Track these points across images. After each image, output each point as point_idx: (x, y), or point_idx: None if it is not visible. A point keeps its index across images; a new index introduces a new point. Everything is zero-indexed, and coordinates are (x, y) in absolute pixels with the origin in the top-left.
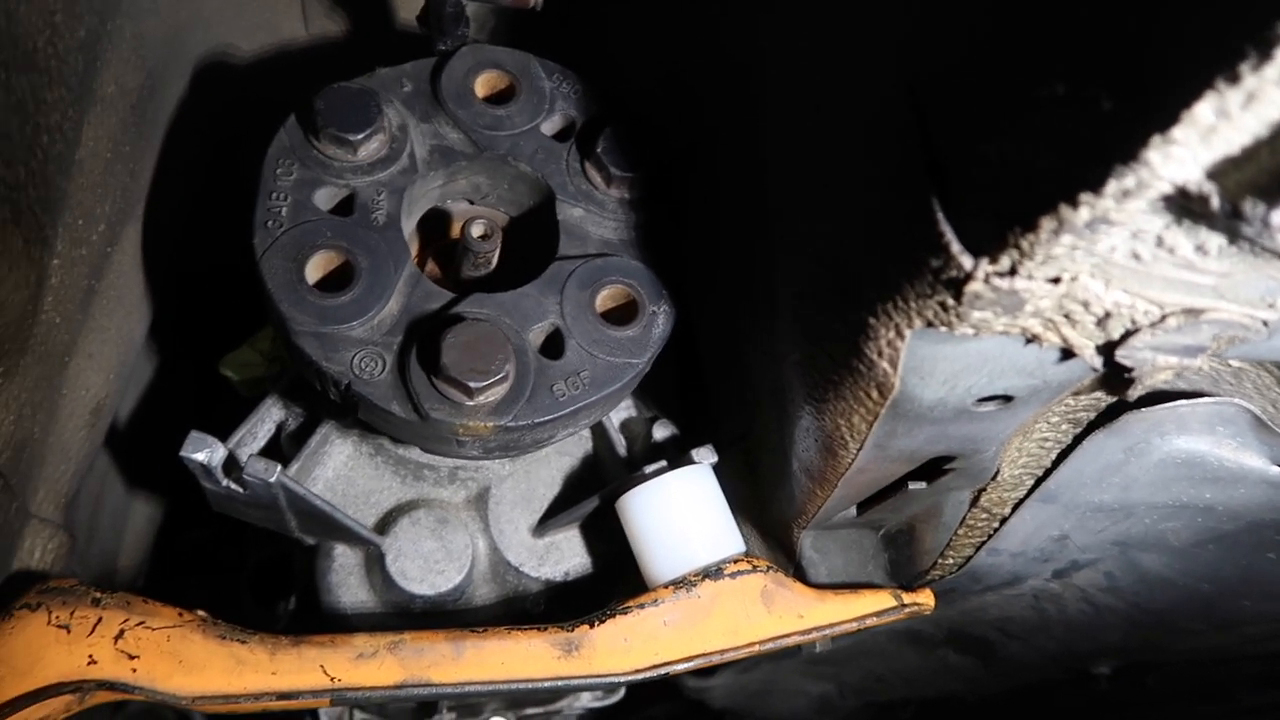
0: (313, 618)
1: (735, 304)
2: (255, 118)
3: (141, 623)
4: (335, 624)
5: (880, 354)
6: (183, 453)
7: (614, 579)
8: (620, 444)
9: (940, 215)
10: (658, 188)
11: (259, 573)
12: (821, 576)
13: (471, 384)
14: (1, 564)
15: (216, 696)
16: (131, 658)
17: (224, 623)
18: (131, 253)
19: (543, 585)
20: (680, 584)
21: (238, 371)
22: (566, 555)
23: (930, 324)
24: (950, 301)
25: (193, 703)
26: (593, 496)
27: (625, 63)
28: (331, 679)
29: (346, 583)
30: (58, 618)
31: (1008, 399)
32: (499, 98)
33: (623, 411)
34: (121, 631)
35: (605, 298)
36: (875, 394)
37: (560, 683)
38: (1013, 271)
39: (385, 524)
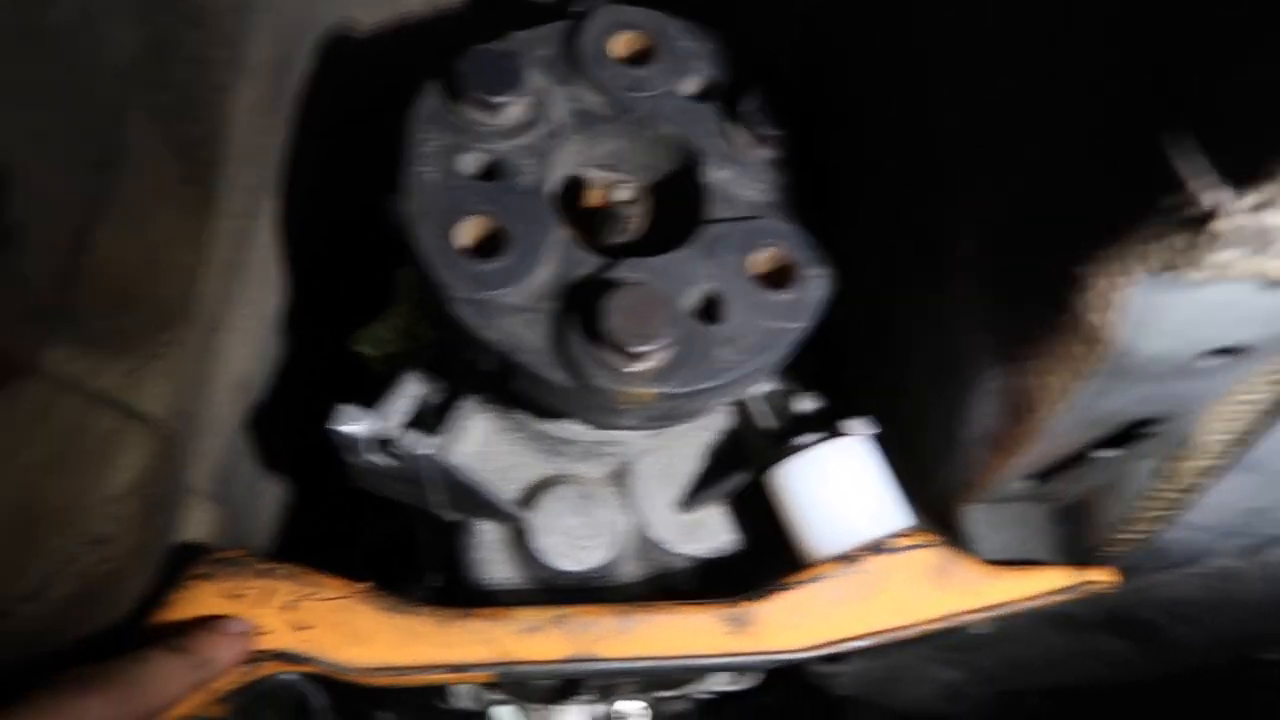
0: (455, 595)
1: (883, 269)
2: (378, 93)
3: (311, 593)
4: (480, 602)
5: (1092, 306)
6: (330, 425)
7: (761, 557)
8: (765, 417)
9: (1178, 149)
10: (805, 147)
11: (375, 556)
12: (988, 553)
13: (635, 349)
14: (172, 534)
15: (389, 668)
16: (302, 628)
17: (390, 594)
18: (269, 228)
19: (690, 562)
20: (846, 559)
21: (373, 347)
22: (713, 531)
23: (1158, 270)
24: (1186, 243)
25: (365, 674)
26: (744, 470)
27: (762, 20)
28: (501, 651)
29: (491, 559)
30: (229, 587)
31: (1235, 352)
32: (637, 59)
33: (758, 387)
34: (292, 602)
35: (760, 261)
36: (1083, 350)
37: (731, 659)
38: (1266, 206)
39: (527, 500)
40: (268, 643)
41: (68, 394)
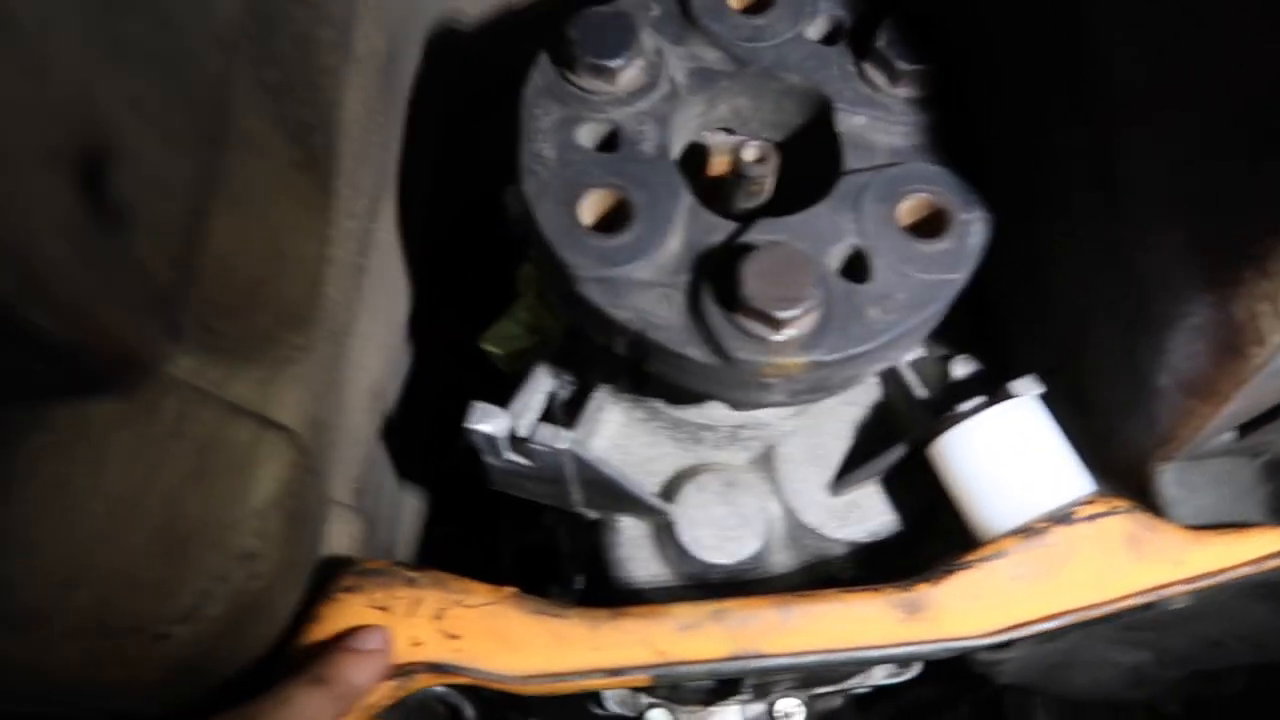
0: (600, 597)
1: (1035, 209)
2: (486, 87)
3: (458, 600)
4: (628, 601)
5: None
6: (467, 424)
7: (923, 537)
8: (918, 385)
9: None
10: (947, 82)
11: (517, 563)
12: (1188, 517)
13: (779, 314)
14: (317, 547)
15: (544, 675)
16: (453, 637)
17: (537, 597)
18: (390, 229)
19: (847, 547)
20: (1026, 532)
21: (501, 345)
22: (870, 513)
23: None
24: None
25: (519, 683)
26: (898, 444)
27: None
28: (658, 652)
29: (637, 556)
30: (377, 599)
31: None
32: (756, 7)
33: (910, 352)
34: (440, 611)
35: (909, 209)
36: None
37: (906, 649)
38: None
39: (669, 492)
40: (419, 654)
41: (203, 404)
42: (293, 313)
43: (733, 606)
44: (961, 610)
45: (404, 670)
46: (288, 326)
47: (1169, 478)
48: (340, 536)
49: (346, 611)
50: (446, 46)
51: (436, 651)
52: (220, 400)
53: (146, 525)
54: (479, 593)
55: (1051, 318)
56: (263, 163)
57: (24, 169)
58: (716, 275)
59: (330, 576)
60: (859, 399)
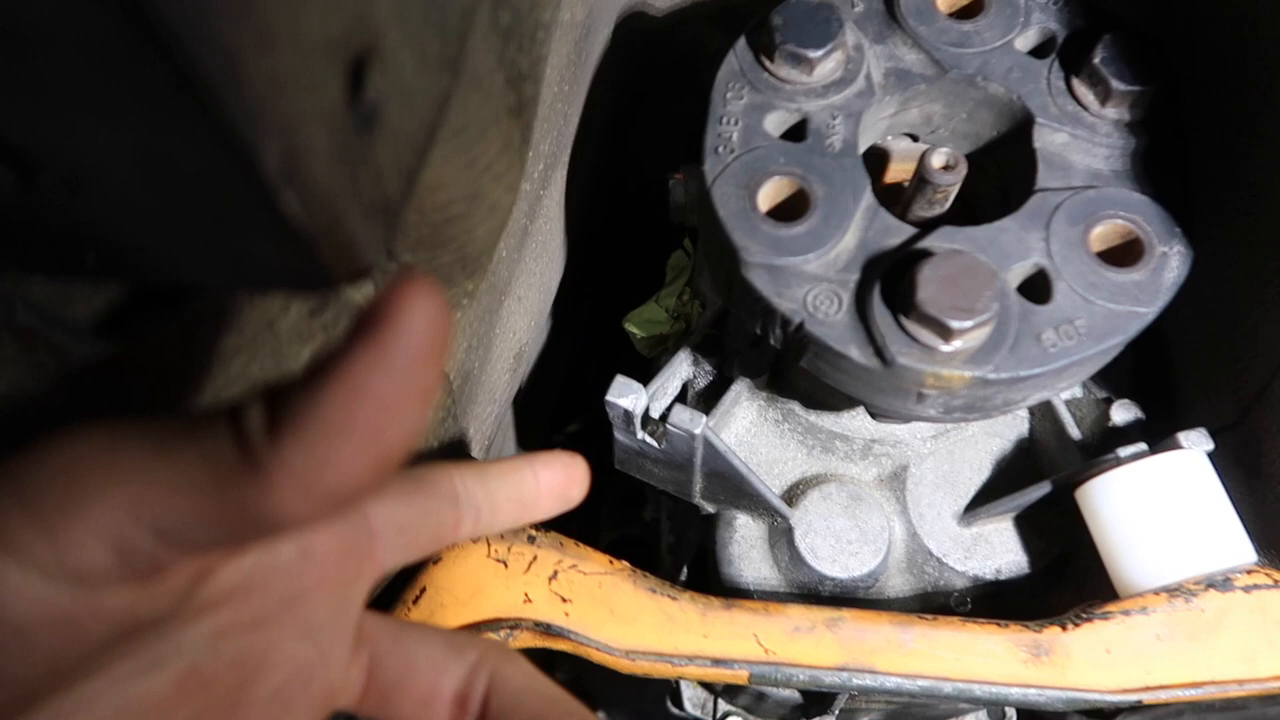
0: (707, 590)
1: (1235, 250)
2: (668, 73)
3: (574, 565)
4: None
5: None
6: (609, 397)
7: (1051, 583)
8: (1072, 424)
9: None
10: (1164, 107)
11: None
12: None
13: (952, 323)
14: None
15: (649, 653)
16: (565, 600)
17: (652, 575)
18: (557, 199)
19: (969, 581)
20: (1176, 592)
21: (642, 328)
22: (998, 550)
23: None
24: None
25: (625, 656)
26: (1043, 482)
27: None
28: (765, 650)
29: (748, 556)
30: (496, 551)
31: None
32: (966, 12)
33: (1066, 391)
34: (555, 573)
35: (1102, 235)
36: None
37: (1025, 691)
38: None
39: (791, 497)
40: (529, 611)
41: None
42: (473, 258)
43: (850, 617)
44: (1092, 661)
45: (515, 624)
46: (465, 271)
47: None
48: None
49: (466, 558)
50: (634, 29)
51: (547, 612)
52: None
53: None
54: (595, 560)
55: (1233, 372)
56: (482, 100)
57: (310, 53)
58: (889, 278)
59: None
60: (1002, 431)
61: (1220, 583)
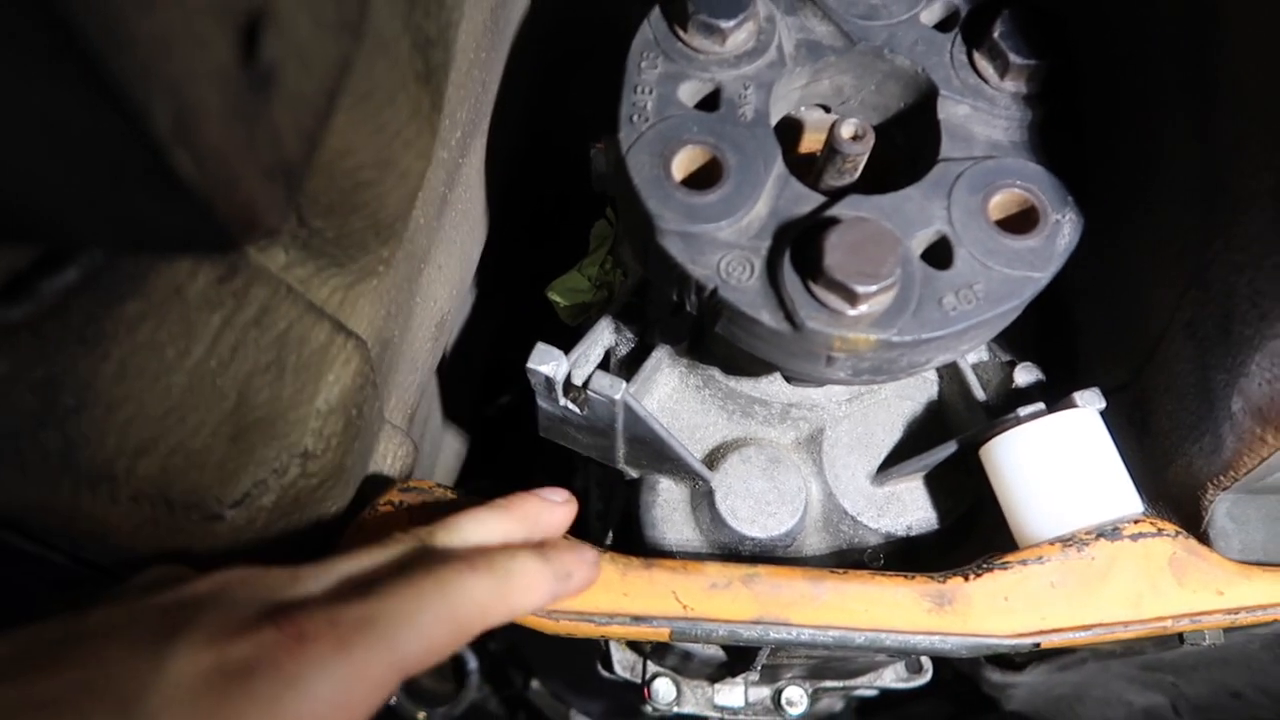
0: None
1: (1127, 219)
2: (582, 41)
3: None
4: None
5: None
6: (530, 364)
7: (959, 538)
8: (978, 386)
9: None
10: (1061, 80)
11: None
12: (1234, 551)
13: (858, 288)
14: (368, 460)
15: (570, 613)
16: None
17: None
18: (477, 166)
19: (881, 538)
20: (1069, 542)
21: (566, 296)
22: (909, 507)
23: None
24: None
25: (548, 616)
26: (949, 442)
27: None
28: (684, 606)
29: (671, 519)
30: (418, 516)
31: None
32: None
33: (973, 355)
34: None
35: (1000, 203)
36: None
37: (930, 639)
38: None
39: (711, 460)
40: None
41: (288, 300)
42: (386, 224)
43: (765, 573)
44: (992, 608)
45: None
46: (379, 238)
47: (1222, 508)
48: (389, 457)
49: (388, 525)
50: None
51: None
52: (303, 298)
53: (219, 408)
54: None
55: (1123, 334)
56: (388, 66)
57: (197, 14)
58: (799, 244)
59: (375, 491)
60: (913, 394)
61: (1110, 532)
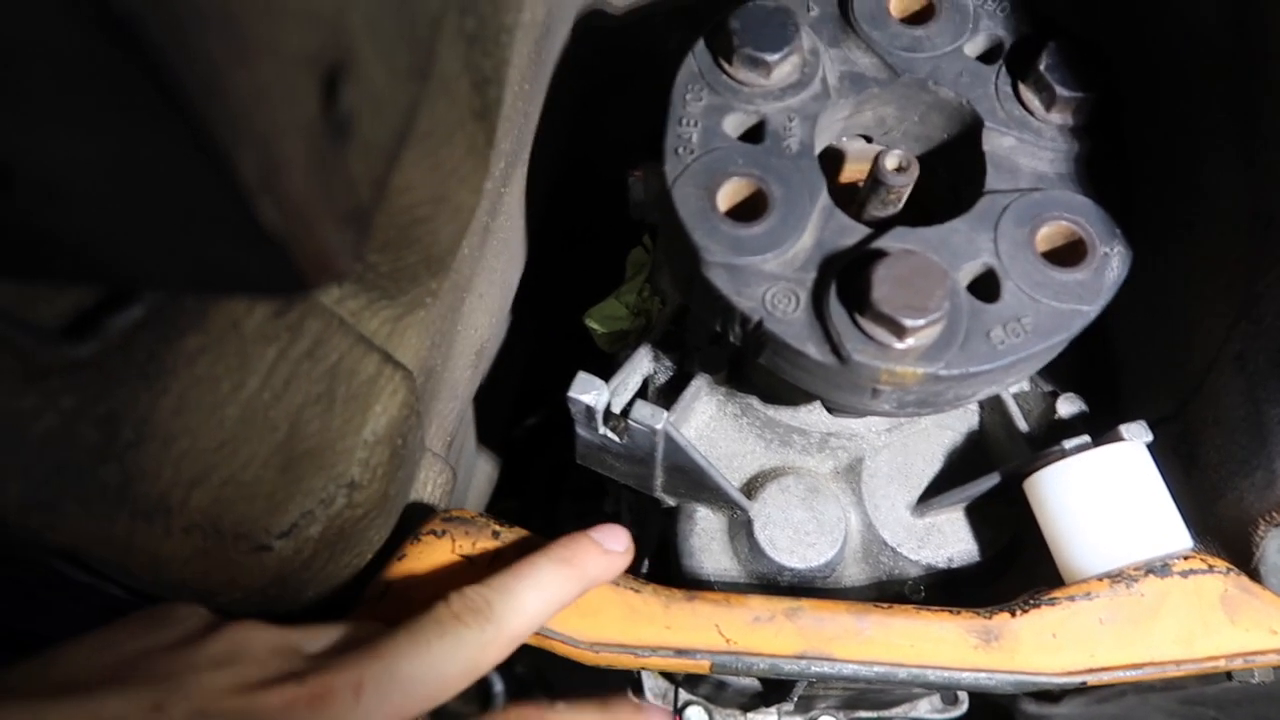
0: (668, 582)
1: (1175, 251)
2: (623, 71)
3: None
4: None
5: None
6: (572, 393)
7: (1001, 570)
8: (1020, 418)
9: None
10: (1106, 112)
11: None
12: None
13: (906, 321)
14: (410, 488)
15: (614, 645)
16: None
17: None
18: (518, 195)
19: (922, 570)
20: (1118, 578)
21: (603, 324)
22: (950, 539)
23: None
24: None
25: (590, 649)
26: (992, 474)
27: None
28: (726, 640)
29: (709, 548)
30: (460, 547)
31: None
32: (917, 17)
33: (1015, 385)
34: None
35: (1047, 235)
36: None
37: (976, 675)
38: None
39: (750, 489)
40: None
41: (341, 332)
42: (438, 258)
43: (808, 606)
44: (1039, 645)
45: None
46: (430, 271)
47: (1274, 544)
48: (429, 484)
49: (432, 554)
50: (592, 28)
51: None
52: (354, 330)
53: (271, 439)
54: None
55: (1168, 365)
56: (448, 105)
57: (287, 66)
58: (845, 277)
59: (419, 519)
60: (953, 424)
61: (1159, 569)
